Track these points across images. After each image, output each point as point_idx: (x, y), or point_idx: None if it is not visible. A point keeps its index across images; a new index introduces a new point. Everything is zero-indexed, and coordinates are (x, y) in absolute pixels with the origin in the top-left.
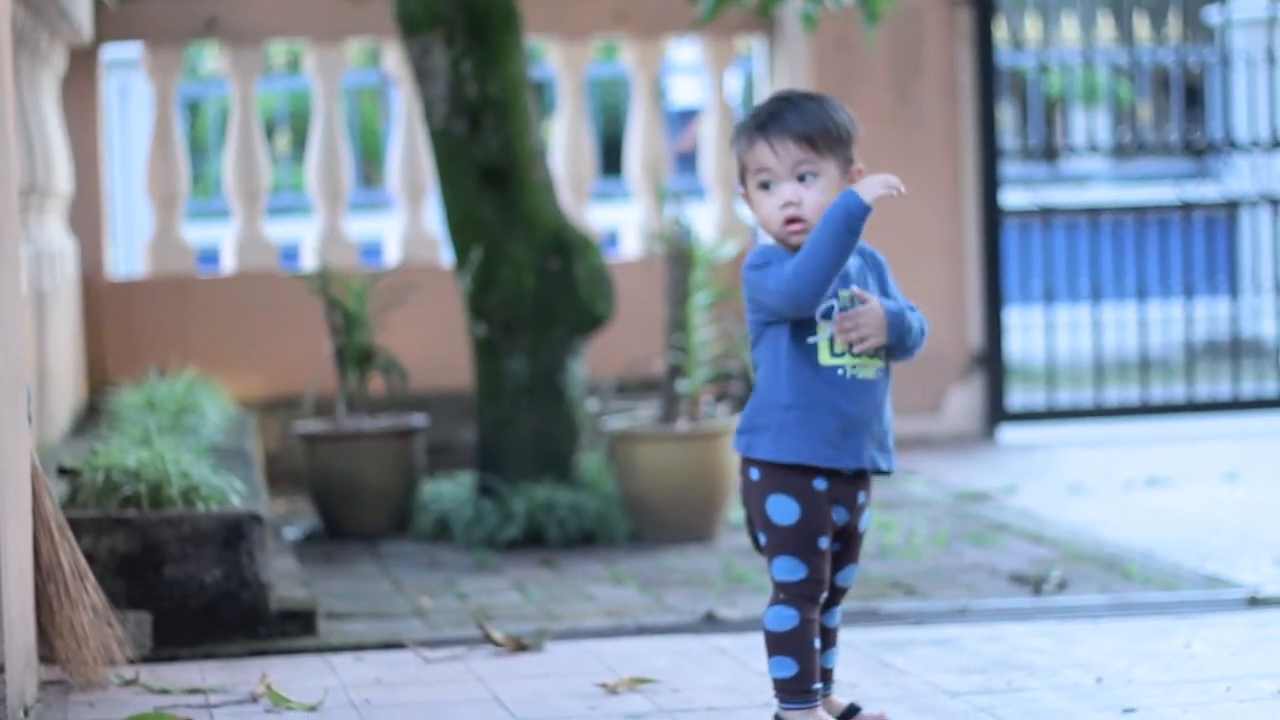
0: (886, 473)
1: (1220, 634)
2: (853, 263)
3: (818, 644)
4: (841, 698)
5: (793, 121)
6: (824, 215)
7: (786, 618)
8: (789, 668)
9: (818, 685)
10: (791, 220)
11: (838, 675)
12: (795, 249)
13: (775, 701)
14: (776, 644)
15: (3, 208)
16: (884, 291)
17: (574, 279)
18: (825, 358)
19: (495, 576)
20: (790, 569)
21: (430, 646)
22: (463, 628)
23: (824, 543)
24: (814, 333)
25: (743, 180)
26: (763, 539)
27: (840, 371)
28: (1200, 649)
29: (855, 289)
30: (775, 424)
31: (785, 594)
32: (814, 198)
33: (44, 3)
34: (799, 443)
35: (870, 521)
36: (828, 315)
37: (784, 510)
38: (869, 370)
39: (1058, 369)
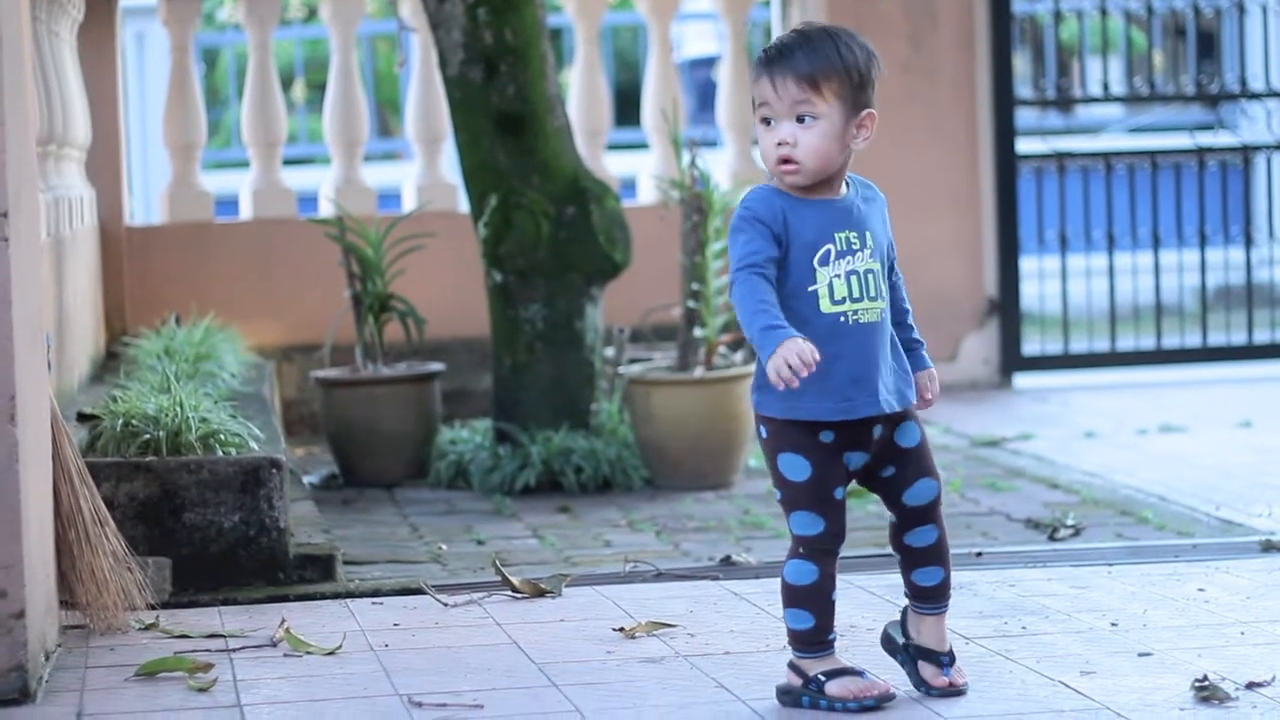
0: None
1: (1234, 579)
2: (859, 204)
3: (835, 596)
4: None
5: (799, 60)
6: (751, 319)
7: (806, 572)
8: (805, 620)
9: (833, 636)
10: (785, 160)
11: (857, 620)
12: (790, 188)
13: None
14: (794, 597)
15: (21, 155)
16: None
17: (591, 226)
18: (826, 305)
19: (512, 523)
20: (808, 524)
21: (448, 591)
22: (480, 573)
23: (839, 493)
24: (814, 280)
25: (754, 112)
26: (779, 494)
27: (842, 318)
28: (1214, 594)
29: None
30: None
31: (805, 548)
32: (810, 140)
33: None
34: (807, 398)
35: (921, 434)
36: (825, 262)
37: (794, 467)
38: (872, 313)
39: (1073, 316)
